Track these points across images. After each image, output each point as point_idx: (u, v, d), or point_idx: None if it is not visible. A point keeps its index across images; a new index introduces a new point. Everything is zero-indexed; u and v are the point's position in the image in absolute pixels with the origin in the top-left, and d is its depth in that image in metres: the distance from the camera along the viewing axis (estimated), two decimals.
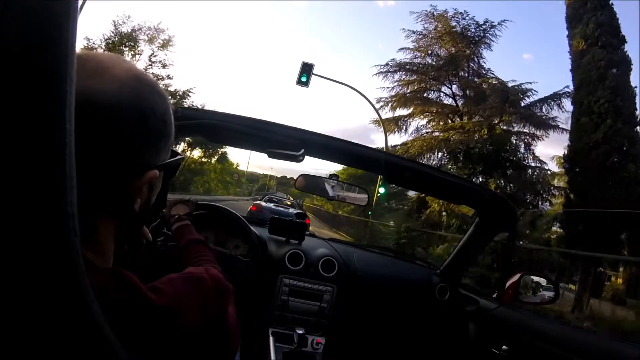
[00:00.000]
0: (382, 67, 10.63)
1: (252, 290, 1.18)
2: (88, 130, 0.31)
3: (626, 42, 6.71)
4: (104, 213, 0.37)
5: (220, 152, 18.75)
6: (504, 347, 1.15)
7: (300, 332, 1.18)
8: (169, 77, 12.40)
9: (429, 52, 10.40)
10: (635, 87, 6.33)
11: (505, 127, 8.86)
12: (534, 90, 8.96)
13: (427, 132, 10.45)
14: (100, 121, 0.33)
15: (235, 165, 33.85)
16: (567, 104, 8.22)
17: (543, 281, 1.38)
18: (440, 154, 9.71)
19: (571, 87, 7.29)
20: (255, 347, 1.21)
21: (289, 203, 12.72)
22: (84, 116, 0.31)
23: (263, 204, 9.94)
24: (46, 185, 0.22)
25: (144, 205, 0.39)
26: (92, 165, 0.32)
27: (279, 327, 1.24)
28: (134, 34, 11.44)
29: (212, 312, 0.45)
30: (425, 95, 10.60)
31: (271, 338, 1.21)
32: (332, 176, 1.38)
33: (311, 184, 1.41)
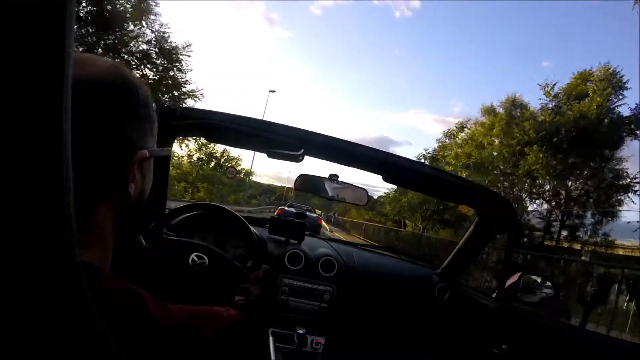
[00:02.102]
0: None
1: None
2: (77, 114, 0.32)
3: None
4: (101, 204, 0.37)
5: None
6: (504, 347, 1.14)
7: (301, 332, 1.18)
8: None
9: None
10: None
11: None
12: None
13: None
14: (88, 105, 0.34)
15: (235, 161, 23.92)
16: None
17: (543, 281, 1.38)
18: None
19: None
20: (256, 347, 1.21)
21: (308, 209, 13.71)
22: (73, 102, 0.31)
23: (286, 208, 12.05)
24: (44, 187, 0.22)
25: (138, 194, 0.40)
26: (84, 150, 0.33)
27: (279, 327, 1.24)
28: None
29: (221, 344, 0.44)
30: None
31: (271, 338, 1.20)
32: (332, 176, 1.38)
33: (311, 184, 1.41)
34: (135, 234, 0.52)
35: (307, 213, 10.16)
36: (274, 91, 21.21)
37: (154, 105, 0.43)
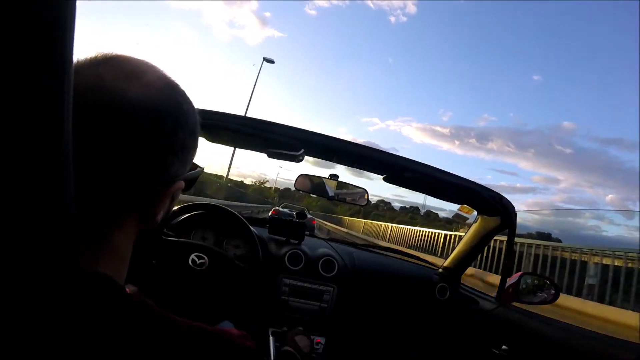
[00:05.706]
0: None
1: (251, 291, 1.18)
2: (118, 135, 0.30)
3: None
4: (124, 227, 0.35)
5: None
6: (504, 347, 1.14)
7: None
8: None
9: None
10: None
11: None
12: None
13: None
14: (134, 127, 0.31)
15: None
16: None
17: (543, 281, 1.38)
18: None
19: None
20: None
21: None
22: (115, 119, 0.30)
23: (280, 209, 12.25)
24: (42, 189, 0.21)
25: (163, 216, 0.38)
26: (116, 176, 0.31)
27: (279, 327, 1.25)
28: None
29: None
30: None
31: (271, 338, 1.21)
32: (332, 176, 1.38)
33: (311, 183, 1.41)
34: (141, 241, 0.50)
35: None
36: (271, 61, 18.53)
37: (199, 127, 0.39)
